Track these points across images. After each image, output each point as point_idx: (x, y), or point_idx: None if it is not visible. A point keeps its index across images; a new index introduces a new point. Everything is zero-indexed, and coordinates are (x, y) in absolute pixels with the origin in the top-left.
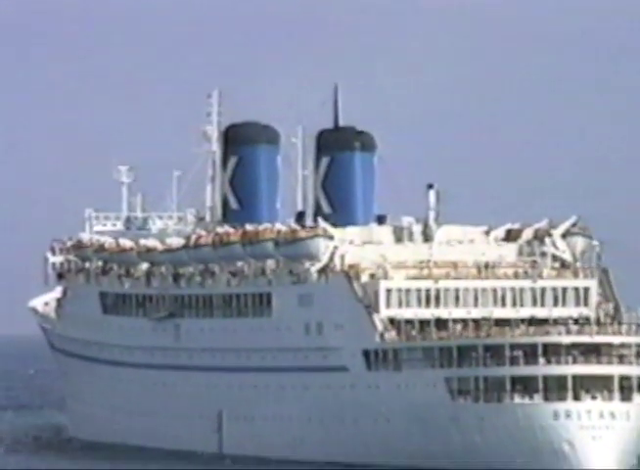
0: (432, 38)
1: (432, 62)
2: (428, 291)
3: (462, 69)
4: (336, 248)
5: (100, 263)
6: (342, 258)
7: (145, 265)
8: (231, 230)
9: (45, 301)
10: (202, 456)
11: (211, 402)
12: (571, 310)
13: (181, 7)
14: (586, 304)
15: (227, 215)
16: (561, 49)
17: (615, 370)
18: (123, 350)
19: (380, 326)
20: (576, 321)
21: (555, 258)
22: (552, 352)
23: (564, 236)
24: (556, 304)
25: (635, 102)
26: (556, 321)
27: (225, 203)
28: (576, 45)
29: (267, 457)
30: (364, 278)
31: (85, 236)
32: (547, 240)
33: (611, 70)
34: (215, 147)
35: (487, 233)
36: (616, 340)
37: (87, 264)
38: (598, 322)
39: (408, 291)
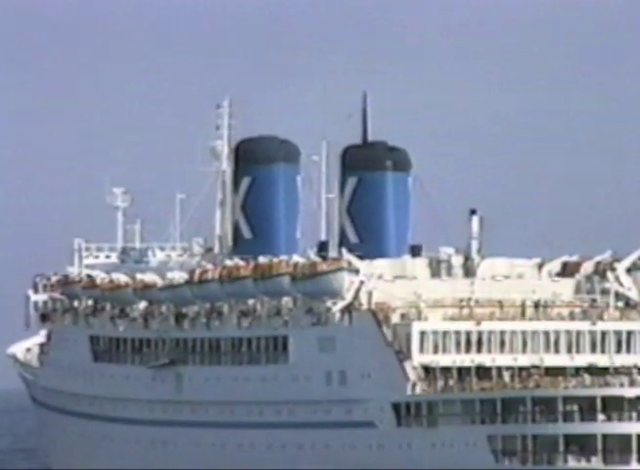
0: (478, 45)
1: (474, 69)
2: (468, 334)
3: (514, 81)
4: (362, 283)
5: (90, 302)
6: (370, 295)
7: (142, 304)
8: (241, 263)
9: (26, 347)
10: None
11: (219, 464)
12: (637, 358)
13: (185, 6)
14: None
15: (239, 246)
16: (625, 64)
17: None
18: (117, 403)
19: (412, 375)
20: None
21: (618, 296)
22: (613, 406)
23: (629, 271)
24: (619, 350)
25: None
26: (618, 371)
27: (236, 231)
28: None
29: None
30: (395, 319)
31: (73, 270)
32: (610, 275)
33: None
34: (225, 166)
35: (540, 267)
36: None
37: (75, 304)
38: None
39: (445, 334)
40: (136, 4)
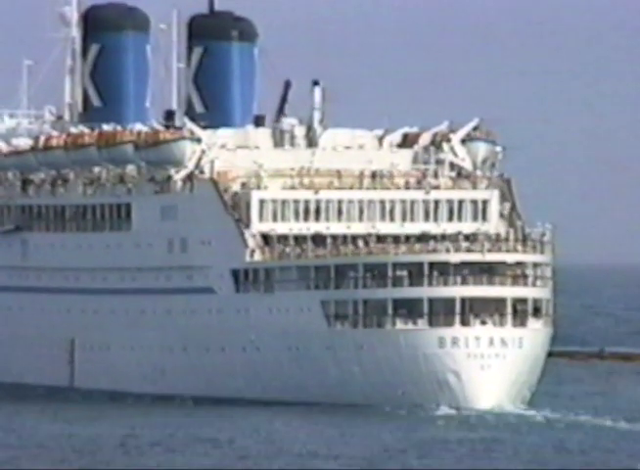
0: None
1: None
2: (307, 203)
3: None
4: (203, 152)
5: None
6: (212, 164)
7: None
8: (86, 131)
9: None
10: (50, 391)
11: (62, 330)
12: (468, 226)
13: None
14: (485, 218)
15: (88, 114)
16: None
17: (508, 292)
18: None
19: (251, 243)
20: (471, 237)
21: (453, 166)
22: (439, 271)
23: (464, 141)
24: (451, 218)
25: None
26: (445, 238)
27: (86, 99)
28: None
29: (124, 391)
30: (235, 187)
31: None
32: (445, 146)
33: None
34: (75, 32)
35: (381, 138)
36: (510, 258)
37: None
38: (498, 239)
39: (284, 202)
40: None
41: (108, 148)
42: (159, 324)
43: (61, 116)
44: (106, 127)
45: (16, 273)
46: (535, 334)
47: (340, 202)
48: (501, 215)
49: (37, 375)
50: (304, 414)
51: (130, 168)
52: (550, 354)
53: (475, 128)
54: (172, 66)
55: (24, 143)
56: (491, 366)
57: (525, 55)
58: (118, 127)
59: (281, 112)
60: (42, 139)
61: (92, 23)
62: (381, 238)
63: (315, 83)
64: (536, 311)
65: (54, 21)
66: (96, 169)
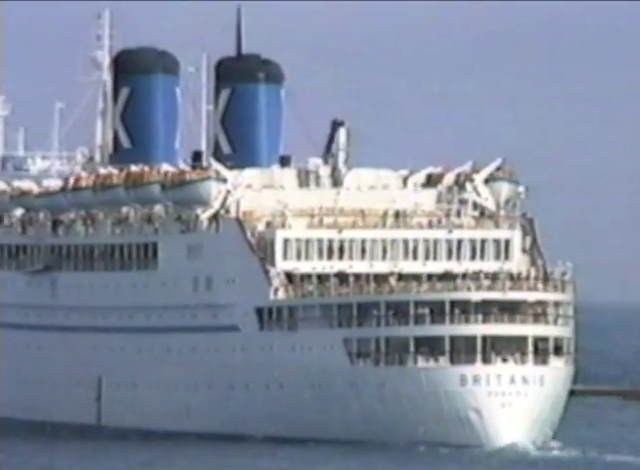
0: None
1: None
2: (330, 242)
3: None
4: (229, 192)
5: None
6: (237, 204)
7: (19, 211)
8: (114, 171)
9: None
10: (78, 429)
11: (90, 368)
12: (491, 264)
13: None
14: (507, 257)
15: (118, 155)
16: None
17: (529, 330)
18: None
19: (275, 281)
20: (493, 276)
21: (476, 205)
22: (461, 310)
23: (487, 181)
24: (473, 257)
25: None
26: (467, 276)
27: (116, 141)
28: None
29: (149, 429)
30: (260, 227)
31: None
32: (468, 185)
33: None
34: (106, 76)
35: (406, 178)
36: (530, 297)
37: None
38: (519, 277)
39: (308, 241)
40: None
41: (135, 188)
42: (184, 362)
43: (92, 157)
44: (133, 168)
45: (45, 312)
46: (557, 372)
47: (363, 241)
48: (524, 251)
49: (65, 413)
50: (356, 452)
51: (158, 208)
52: (602, 393)
53: (498, 168)
54: (201, 108)
55: (55, 184)
56: (512, 404)
57: (546, 97)
58: (146, 168)
59: (328, 150)
60: (71, 180)
61: (123, 67)
62: (403, 277)
63: (340, 124)
64: (557, 350)
65: (86, 65)
66: (124, 209)
